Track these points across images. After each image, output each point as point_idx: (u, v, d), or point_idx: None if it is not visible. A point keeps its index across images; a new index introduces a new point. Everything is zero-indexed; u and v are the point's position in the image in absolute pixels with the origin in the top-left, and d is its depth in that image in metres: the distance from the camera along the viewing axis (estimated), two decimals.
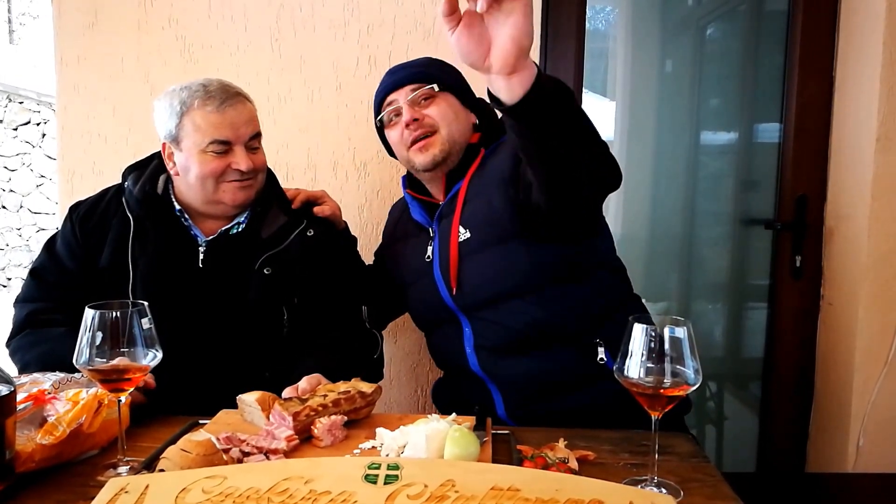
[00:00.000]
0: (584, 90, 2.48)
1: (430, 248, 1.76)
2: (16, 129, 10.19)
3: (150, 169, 1.78)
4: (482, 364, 1.69)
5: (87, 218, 1.76)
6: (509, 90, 1.18)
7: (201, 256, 1.72)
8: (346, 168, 2.29)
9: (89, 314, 1.19)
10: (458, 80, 1.78)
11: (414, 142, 1.72)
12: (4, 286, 10.29)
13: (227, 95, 1.66)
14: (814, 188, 2.45)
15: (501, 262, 1.63)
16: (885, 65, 2.20)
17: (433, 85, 1.72)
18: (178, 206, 1.75)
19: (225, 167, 1.66)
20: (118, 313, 1.19)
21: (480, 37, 1.12)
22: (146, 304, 1.24)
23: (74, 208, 1.80)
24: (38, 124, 10.24)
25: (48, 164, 10.15)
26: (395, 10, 2.25)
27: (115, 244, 1.71)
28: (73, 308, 1.52)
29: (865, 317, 2.28)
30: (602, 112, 2.72)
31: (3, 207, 10.19)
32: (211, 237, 1.74)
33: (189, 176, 1.68)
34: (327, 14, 2.25)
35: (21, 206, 10.21)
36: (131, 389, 1.23)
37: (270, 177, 1.85)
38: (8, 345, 1.70)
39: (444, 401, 1.87)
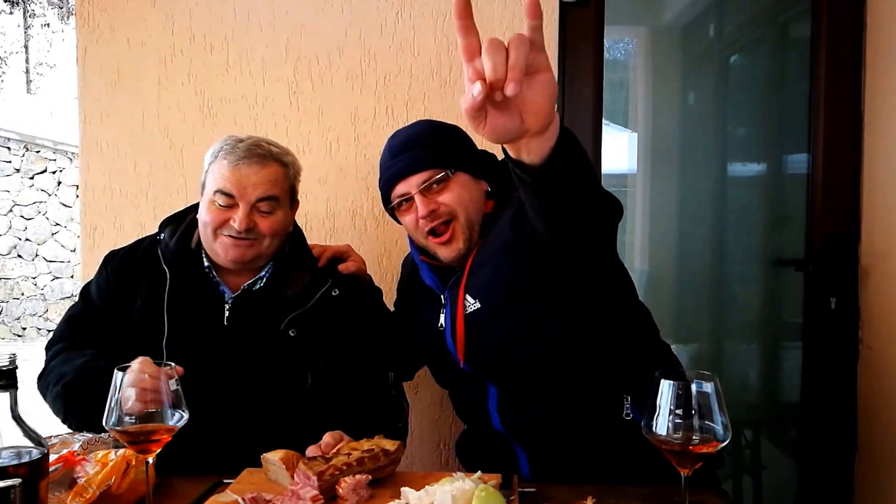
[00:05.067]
0: (607, 122, 2.46)
1: (441, 317, 1.71)
2: (32, 178, 10.32)
3: (187, 222, 1.80)
4: (505, 423, 1.65)
5: (122, 268, 1.77)
6: (541, 147, 1.12)
7: (226, 314, 1.72)
8: (365, 218, 2.30)
9: (118, 376, 1.19)
10: (465, 149, 1.70)
11: (433, 232, 1.66)
12: (20, 336, 10.33)
13: (249, 154, 1.67)
14: (846, 226, 2.39)
15: (515, 330, 1.59)
16: None
17: (445, 171, 1.64)
18: (206, 262, 1.76)
19: (223, 220, 1.67)
20: (146, 375, 1.20)
21: (512, 110, 1.04)
22: (174, 364, 1.24)
23: (109, 258, 1.81)
24: (53, 172, 10.37)
25: (63, 212, 10.26)
26: (411, 61, 2.27)
27: (150, 296, 1.71)
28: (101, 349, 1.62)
29: None
30: (623, 144, 2.73)
31: (19, 256, 10.27)
32: (236, 294, 1.73)
33: (200, 222, 1.72)
34: (345, 65, 2.28)
35: (37, 255, 10.29)
36: (159, 451, 1.23)
37: (297, 235, 1.85)
38: (38, 385, 1.71)
39: (468, 456, 1.83)
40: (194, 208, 1.79)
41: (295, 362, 1.69)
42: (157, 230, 1.82)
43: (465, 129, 1.76)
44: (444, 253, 1.67)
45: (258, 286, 1.75)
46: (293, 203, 1.81)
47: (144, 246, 1.81)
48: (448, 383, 1.85)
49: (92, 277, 1.83)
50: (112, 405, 1.19)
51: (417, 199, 1.64)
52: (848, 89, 2.38)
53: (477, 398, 1.69)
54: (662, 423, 1.19)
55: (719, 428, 1.18)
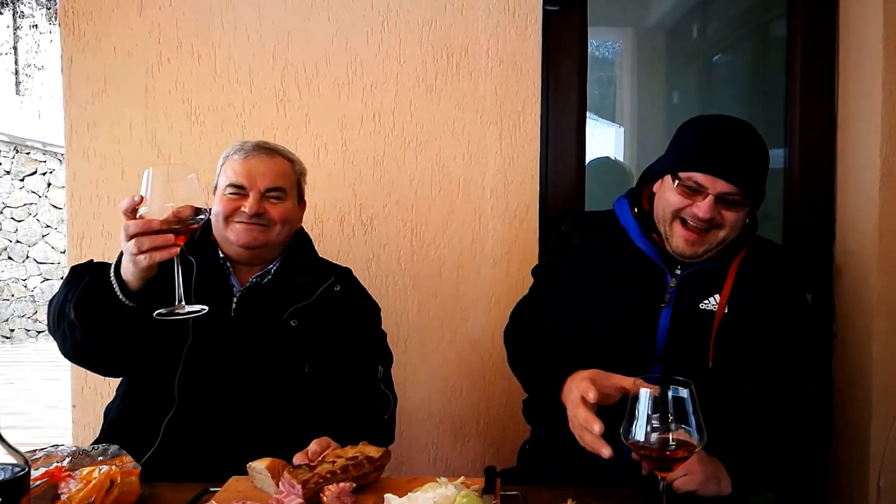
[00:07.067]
0: (595, 117, 2.51)
1: (667, 296, 1.70)
2: (22, 180, 10.30)
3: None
4: None
5: None
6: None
7: (234, 306, 1.80)
8: (353, 224, 2.32)
9: (146, 175, 1.39)
10: (763, 187, 1.70)
11: (686, 227, 1.66)
12: (8, 338, 10.30)
13: (257, 149, 1.83)
14: (822, 223, 2.43)
15: (749, 340, 1.67)
16: (886, 103, 2.20)
17: (746, 201, 1.64)
18: (221, 255, 1.83)
19: (234, 208, 1.77)
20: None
21: None
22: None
23: None
24: (43, 174, 10.35)
25: (54, 214, 10.24)
26: (397, 68, 2.29)
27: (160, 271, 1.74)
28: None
29: (880, 354, 2.24)
30: (611, 138, 2.78)
31: (10, 258, 10.24)
32: (245, 287, 1.82)
33: (212, 215, 1.80)
34: (331, 73, 2.29)
35: (27, 257, 10.27)
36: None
37: (305, 238, 1.98)
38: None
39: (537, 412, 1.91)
40: None
41: (294, 351, 1.78)
42: None
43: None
44: (683, 248, 1.67)
45: (266, 279, 1.83)
46: (301, 200, 1.93)
47: None
48: (594, 346, 1.71)
49: None
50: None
51: (708, 200, 1.61)
52: (822, 90, 2.42)
53: (629, 369, 1.65)
54: (640, 429, 1.21)
55: (694, 432, 1.20)
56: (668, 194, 1.68)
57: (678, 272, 1.71)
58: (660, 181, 1.74)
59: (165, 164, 1.42)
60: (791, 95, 2.47)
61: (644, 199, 1.80)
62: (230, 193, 1.78)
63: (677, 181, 1.65)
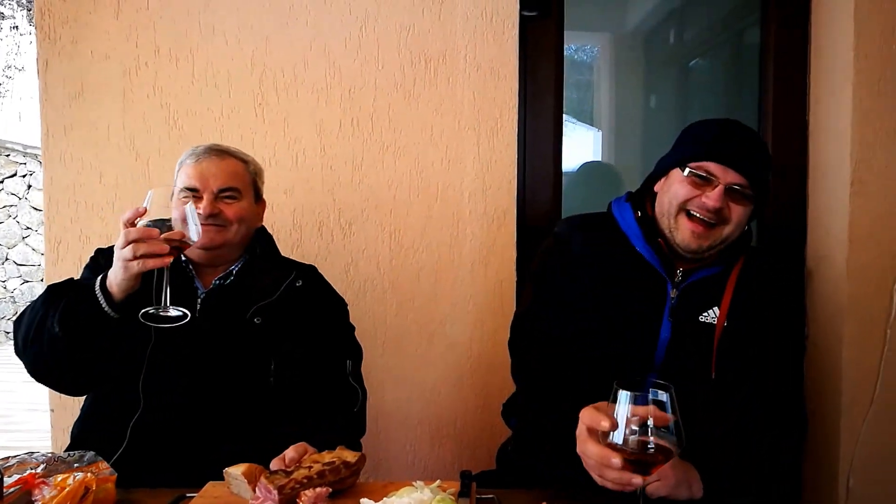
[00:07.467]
0: (573, 121, 2.55)
1: (668, 308, 1.71)
2: (2, 182, 10.20)
3: None
4: None
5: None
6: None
7: (198, 307, 1.80)
8: (332, 228, 2.32)
9: (149, 194, 1.51)
10: (767, 186, 1.74)
11: (693, 220, 1.68)
12: None
13: (209, 151, 1.85)
14: (795, 227, 2.46)
15: (749, 351, 1.68)
16: (856, 111, 2.24)
17: (752, 195, 1.68)
18: (184, 258, 1.85)
19: None
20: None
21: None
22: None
23: (101, 252, 1.89)
24: (23, 176, 10.26)
25: (34, 216, 10.16)
26: (375, 74, 2.30)
27: (142, 286, 1.73)
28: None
29: (850, 357, 2.28)
30: (589, 140, 2.81)
31: None
32: (208, 289, 1.83)
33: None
34: (310, 78, 2.30)
35: (6, 259, 10.18)
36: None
37: (268, 239, 1.99)
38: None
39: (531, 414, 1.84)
40: None
41: (259, 349, 1.79)
42: None
43: None
44: (688, 241, 1.69)
45: (229, 280, 1.85)
46: (259, 200, 1.95)
47: None
48: (591, 346, 1.71)
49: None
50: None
51: (718, 189, 1.66)
52: (794, 98, 2.45)
53: (625, 372, 1.62)
54: (619, 432, 1.22)
55: (673, 436, 1.22)
56: (675, 186, 1.71)
57: (678, 280, 1.73)
58: (663, 179, 1.77)
59: (166, 187, 1.56)
60: (764, 102, 2.50)
61: (647, 205, 1.82)
62: (184, 197, 1.80)
63: (688, 171, 1.69)
